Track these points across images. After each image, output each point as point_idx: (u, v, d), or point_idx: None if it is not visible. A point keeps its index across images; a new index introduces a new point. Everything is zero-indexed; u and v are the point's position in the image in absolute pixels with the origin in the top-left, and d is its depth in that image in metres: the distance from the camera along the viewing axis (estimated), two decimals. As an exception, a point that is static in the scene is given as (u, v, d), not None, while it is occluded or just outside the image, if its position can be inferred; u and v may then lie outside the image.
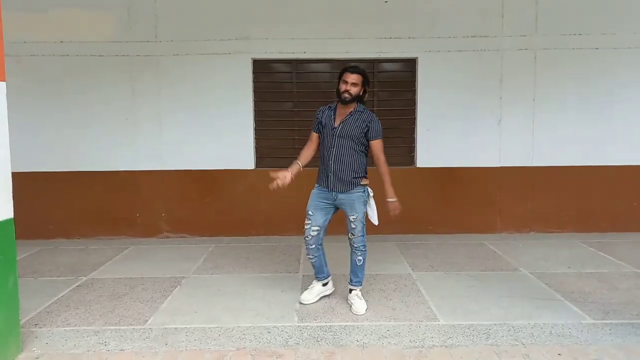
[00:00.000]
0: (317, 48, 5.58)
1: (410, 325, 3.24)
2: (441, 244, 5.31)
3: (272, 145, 5.76)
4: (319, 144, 3.59)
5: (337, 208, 3.55)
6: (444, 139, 5.68)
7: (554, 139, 5.67)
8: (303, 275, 4.30)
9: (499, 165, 5.71)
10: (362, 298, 3.57)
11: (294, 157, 5.60)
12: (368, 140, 3.45)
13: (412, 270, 4.43)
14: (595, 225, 5.74)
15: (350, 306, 3.53)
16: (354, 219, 3.45)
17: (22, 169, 5.03)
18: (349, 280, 3.64)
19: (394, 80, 5.77)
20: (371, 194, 3.52)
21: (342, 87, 3.39)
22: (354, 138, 3.42)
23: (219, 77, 5.59)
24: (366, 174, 3.51)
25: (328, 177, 3.45)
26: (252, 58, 5.61)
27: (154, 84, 5.58)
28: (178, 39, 5.54)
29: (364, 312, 3.45)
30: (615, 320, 3.28)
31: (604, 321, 3.26)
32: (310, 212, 3.52)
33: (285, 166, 5.60)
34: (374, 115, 3.50)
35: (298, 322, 3.30)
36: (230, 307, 3.59)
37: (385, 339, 3.03)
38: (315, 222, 3.50)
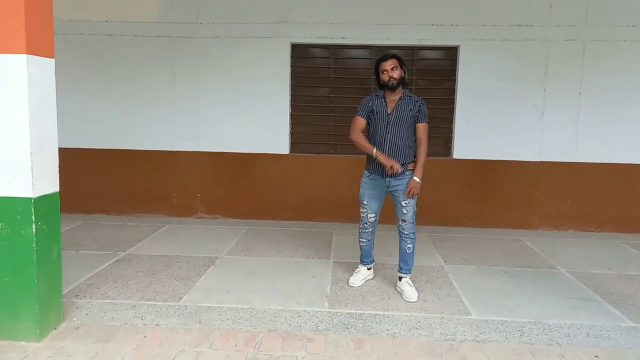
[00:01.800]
0: (356, 33, 5.51)
1: (442, 317, 3.20)
2: (475, 237, 5.23)
3: (307, 131, 5.76)
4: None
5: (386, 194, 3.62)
6: (483, 131, 5.55)
7: (599, 134, 5.46)
8: (334, 262, 4.31)
9: (539, 160, 5.54)
10: (413, 285, 3.59)
11: (329, 143, 5.70)
12: (415, 123, 3.49)
13: (445, 262, 4.38)
14: (638, 226, 5.52)
15: (401, 293, 3.56)
16: (406, 204, 3.49)
17: (66, 145, 5.19)
18: (398, 268, 3.66)
19: (434, 68, 5.65)
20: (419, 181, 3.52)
21: (384, 77, 3.44)
22: (407, 123, 3.47)
23: (258, 61, 5.60)
24: (414, 158, 3.54)
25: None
26: (290, 42, 5.59)
27: (193, 65, 5.64)
28: (218, 22, 5.57)
29: (416, 298, 3.47)
30: (657, 325, 3.16)
31: (645, 325, 3.15)
32: (365, 202, 3.60)
33: (320, 152, 5.69)
34: (421, 99, 3.55)
35: (328, 308, 3.32)
36: (262, 289, 3.64)
37: (416, 330, 3.02)
38: (371, 209, 3.61)
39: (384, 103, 3.51)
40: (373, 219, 3.63)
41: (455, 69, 5.56)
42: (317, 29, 5.54)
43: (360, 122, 3.56)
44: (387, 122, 3.47)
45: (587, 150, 5.49)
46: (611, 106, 5.43)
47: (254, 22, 5.55)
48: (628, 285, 3.89)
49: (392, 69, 3.42)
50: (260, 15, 5.54)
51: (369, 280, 3.84)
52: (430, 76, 5.63)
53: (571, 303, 3.49)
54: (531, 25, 5.40)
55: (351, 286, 3.70)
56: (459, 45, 5.50)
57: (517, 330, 3.04)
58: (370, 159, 3.55)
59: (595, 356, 2.74)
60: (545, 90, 5.46)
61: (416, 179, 3.44)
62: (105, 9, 5.62)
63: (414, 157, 3.52)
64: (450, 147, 5.67)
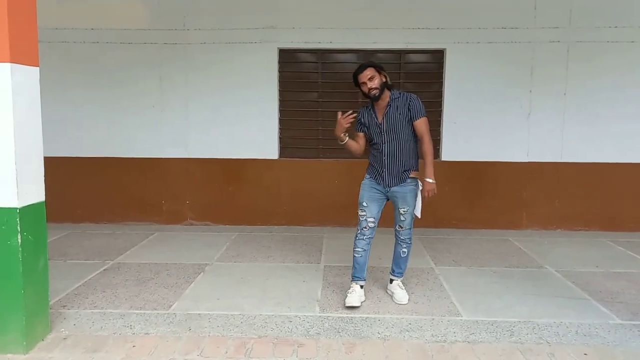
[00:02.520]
0: (343, 38, 5.54)
1: (433, 319, 3.21)
2: (465, 239, 5.26)
3: (296, 136, 5.76)
4: (366, 141, 3.51)
5: (387, 199, 3.49)
6: (471, 133, 5.59)
7: (585, 134, 5.53)
8: (325, 266, 4.31)
9: (526, 161, 5.59)
10: (404, 288, 3.57)
11: (318, 147, 5.71)
12: (412, 122, 3.35)
13: (435, 264, 4.40)
14: (625, 224, 5.59)
15: (392, 295, 3.55)
16: (404, 211, 3.39)
17: (52, 153, 5.13)
18: (390, 271, 3.63)
19: (421, 71, 5.69)
20: (421, 187, 3.42)
21: (364, 89, 3.33)
22: (401, 127, 3.34)
23: (245, 67, 5.61)
24: (417, 164, 3.44)
25: (382, 173, 3.39)
26: (278, 47, 5.60)
27: (181, 72, 5.63)
28: (206, 28, 5.57)
29: (407, 301, 3.47)
30: (645, 322, 3.20)
31: (632, 322, 3.18)
32: (364, 204, 3.42)
33: (309, 157, 5.69)
34: (413, 94, 3.40)
35: (319, 313, 3.31)
36: (252, 295, 3.62)
37: (407, 333, 3.02)
38: (370, 213, 3.41)
39: (373, 113, 3.41)
40: (372, 223, 3.42)
41: (442, 72, 5.60)
42: (304, 34, 5.55)
43: (359, 136, 3.50)
44: (380, 132, 3.36)
45: (573, 150, 5.55)
46: (596, 106, 5.50)
47: (242, 27, 5.55)
48: (615, 283, 3.93)
49: (370, 79, 3.28)
50: (248, 21, 5.54)
51: (362, 302, 3.46)
52: (418, 79, 5.67)
53: (560, 302, 3.52)
54: (516, 28, 5.46)
55: (350, 306, 3.33)
56: (445, 49, 5.54)
57: (507, 330, 3.05)
58: (371, 166, 3.47)
59: (585, 354, 2.76)
60: (531, 91, 5.52)
61: (429, 180, 3.32)
62: (90, 17, 5.59)
63: (417, 164, 3.42)
64: (439, 149, 5.70)
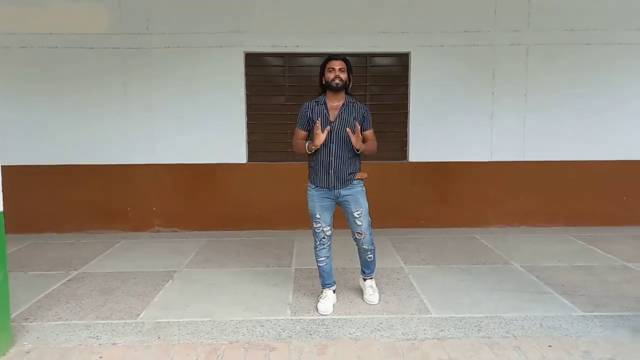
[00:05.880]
0: (310, 42, 5.56)
1: (403, 318, 3.25)
2: (433, 238, 5.34)
3: (265, 140, 5.75)
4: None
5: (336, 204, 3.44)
6: (436, 134, 5.70)
7: (546, 133, 5.71)
8: (295, 269, 4.30)
9: (490, 160, 5.73)
10: (376, 288, 3.58)
11: (287, 151, 5.71)
12: (362, 131, 3.33)
13: (405, 263, 4.45)
14: (586, 219, 5.79)
15: (363, 295, 3.56)
16: (359, 214, 3.32)
17: (12, 162, 4.96)
18: (361, 272, 3.63)
19: (387, 74, 5.77)
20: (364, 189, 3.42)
21: (330, 75, 3.26)
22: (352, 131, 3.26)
23: (211, 71, 5.56)
24: (360, 166, 3.42)
25: (329, 174, 3.30)
26: (244, 51, 5.58)
27: (145, 77, 5.54)
28: (170, 32, 5.49)
29: (378, 301, 3.49)
30: (605, 312, 3.31)
31: (593, 314, 3.29)
32: (317, 216, 3.36)
33: (277, 160, 5.67)
34: (366, 105, 3.45)
35: (291, 316, 3.30)
36: (223, 301, 3.58)
37: (378, 332, 3.05)
38: (325, 222, 3.38)
39: (325, 110, 3.31)
40: (329, 231, 3.40)
41: (408, 75, 5.69)
42: (270, 37, 5.55)
43: (300, 134, 3.41)
44: (331, 131, 3.26)
45: (534, 149, 5.72)
46: (555, 106, 5.68)
47: (207, 31, 5.50)
48: (577, 276, 4.06)
49: (340, 69, 3.25)
50: (213, 24, 5.50)
51: (334, 304, 3.46)
52: (384, 82, 5.74)
53: (525, 296, 3.62)
54: (478, 31, 5.60)
55: (324, 314, 3.31)
56: (410, 52, 5.64)
57: (475, 326, 3.12)
58: (315, 170, 3.37)
59: (549, 346, 2.84)
60: (493, 93, 5.66)
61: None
62: (50, 21, 5.43)
63: (360, 165, 3.39)
64: (406, 150, 5.78)
